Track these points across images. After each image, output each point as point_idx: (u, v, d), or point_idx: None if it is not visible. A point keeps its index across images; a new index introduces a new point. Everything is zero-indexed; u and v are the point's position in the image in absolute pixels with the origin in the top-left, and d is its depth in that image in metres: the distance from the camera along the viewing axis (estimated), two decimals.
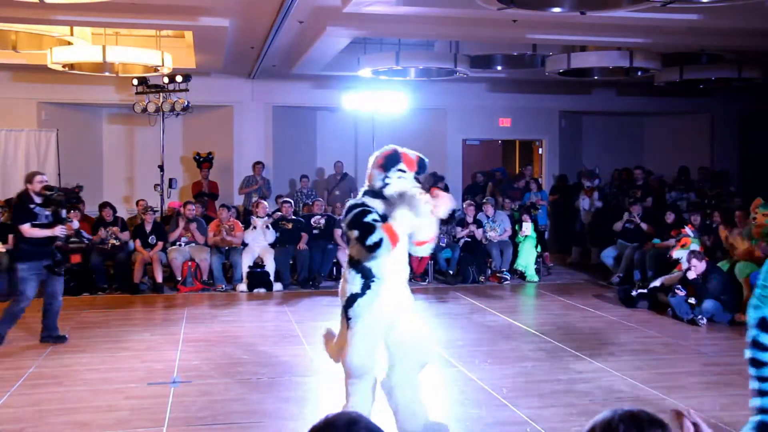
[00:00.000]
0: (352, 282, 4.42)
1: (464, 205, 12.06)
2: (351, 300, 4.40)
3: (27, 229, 7.22)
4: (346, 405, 4.47)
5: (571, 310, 9.35)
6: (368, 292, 4.38)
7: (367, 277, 4.39)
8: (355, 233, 4.29)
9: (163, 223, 11.36)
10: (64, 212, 7.34)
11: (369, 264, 4.38)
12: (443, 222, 11.63)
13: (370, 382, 4.47)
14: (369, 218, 4.27)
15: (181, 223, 10.96)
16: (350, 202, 4.48)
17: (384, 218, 4.32)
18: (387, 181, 4.39)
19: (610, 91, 15.58)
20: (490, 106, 15.21)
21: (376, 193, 4.45)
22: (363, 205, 4.37)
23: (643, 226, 11.31)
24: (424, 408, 4.62)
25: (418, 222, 4.33)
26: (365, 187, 4.55)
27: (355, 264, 4.43)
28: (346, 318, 4.45)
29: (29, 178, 7.36)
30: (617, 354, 7.08)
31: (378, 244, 4.20)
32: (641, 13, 8.28)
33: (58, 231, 7.38)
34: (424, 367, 4.64)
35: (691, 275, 8.53)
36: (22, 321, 8.70)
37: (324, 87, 14.26)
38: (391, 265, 4.43)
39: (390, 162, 4.41)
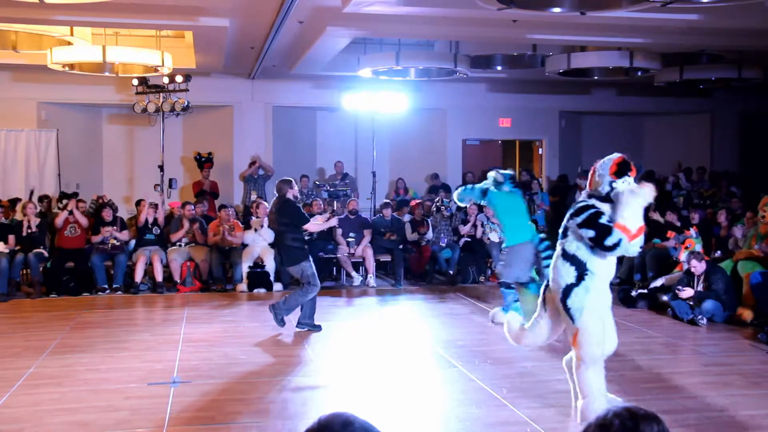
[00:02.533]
0: (567, 274, 4.76)
1: (468, 206, 12.04)
2: (567, 290, 4.75)
3: (313, 225, 8.22)
4: (590, 389, 4.78)
5: None
6: (582, 283, 4.72)
7: (581, 270, 4.73)
8: (590, 233, 4.64)
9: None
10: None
11: (584, 258, 4.73)
12: (444, 221, 11.79)
13: (602, 365, 4.86)
14: (603, 220, 4.63)
15: (186, 224, 10.92)
16: (580, 203, 4.78)
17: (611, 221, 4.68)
18: (614, 185, 4.71)
19: (610, 91, 15.58)
20: (490, 106, 15.21)
21: (600, 198, 4.77)
22: (594, 206, 4.70)
23: None
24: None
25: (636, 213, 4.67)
26: (587, 191, 4.86)
27: (570, 257, 4.77)
28: (566, 309, 4.77)
29: (291, 184, 8.08)
30: (617, 354, 7.04)
31: (617, 245, 4.58)
32: (641, 13, 8.29)
33: (335, 221, 8.71)
34: (609, 355, 4.95)
35: None
36: (22, 320, 8.73)
37: (324, 87, 14.26)
38: (603, 263, 4.76)
39: (623, 169, 4.72)
